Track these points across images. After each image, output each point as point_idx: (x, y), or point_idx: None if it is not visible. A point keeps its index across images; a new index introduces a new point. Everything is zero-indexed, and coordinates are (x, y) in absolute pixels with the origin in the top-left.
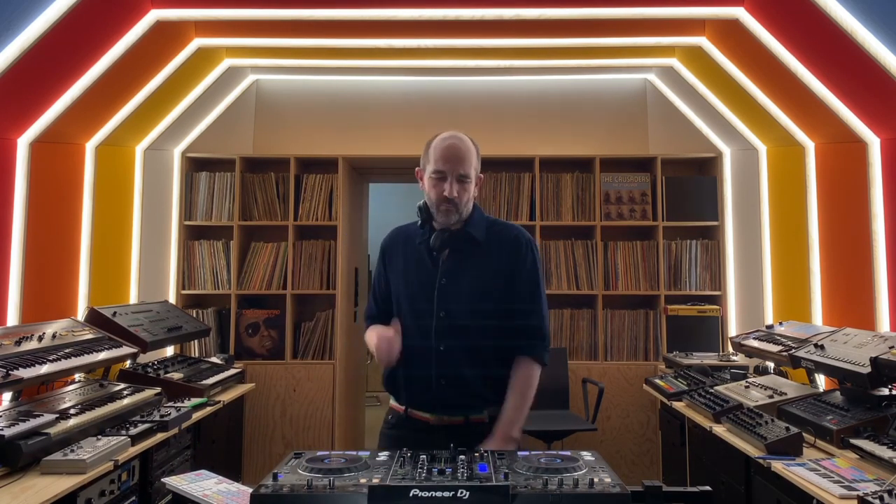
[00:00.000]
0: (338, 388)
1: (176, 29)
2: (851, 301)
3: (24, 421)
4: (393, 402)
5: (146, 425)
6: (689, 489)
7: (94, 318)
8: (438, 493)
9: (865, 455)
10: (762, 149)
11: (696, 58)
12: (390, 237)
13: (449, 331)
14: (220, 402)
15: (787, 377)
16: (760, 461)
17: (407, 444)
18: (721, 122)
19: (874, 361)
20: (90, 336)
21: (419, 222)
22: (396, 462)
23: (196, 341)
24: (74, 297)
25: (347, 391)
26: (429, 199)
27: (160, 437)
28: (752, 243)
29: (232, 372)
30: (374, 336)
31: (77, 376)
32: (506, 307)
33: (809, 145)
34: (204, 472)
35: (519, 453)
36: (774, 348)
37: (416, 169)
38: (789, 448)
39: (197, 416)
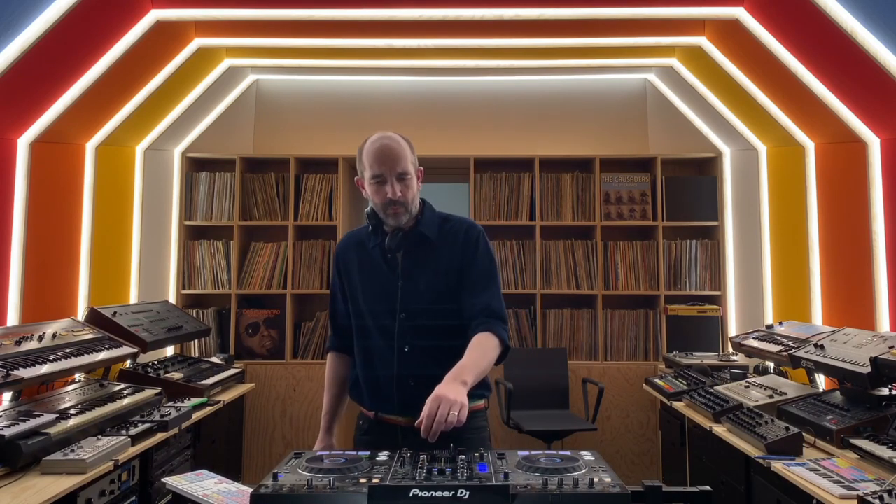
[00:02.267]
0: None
1: (176, 29)
2: (851, 301)
3: (24, 421)
4: (362, 409)
5: (146, 425)
6: (689, 489)
7: (94, 318)
8: (438, 493)
9: (865, 455)
10: (762, 149)
11: (696, 58)
12: (343, 244)
13: (412, 331)
14: (220, 402)
15: (787, 377)
16: (760, 461)
17: (383, 448)
18: (721, 122)
19: (874, 361)
20: (90, 336)
21: (369, 227)
22: (396, 462)
23: (196, 341)
24: (74, 297)
25: None
26: (375, 205)
27: (160, 437)
28: (752, 243)
29: (232, 372)
30: (326, 387)
31: (77, 376)
32: (463, 298)
33: (809, 145)
34: (204, 472)
35: (519, 453)
36: (774, 348)
37: (356, 178)
38: (789, 448)
39: (197, 416)
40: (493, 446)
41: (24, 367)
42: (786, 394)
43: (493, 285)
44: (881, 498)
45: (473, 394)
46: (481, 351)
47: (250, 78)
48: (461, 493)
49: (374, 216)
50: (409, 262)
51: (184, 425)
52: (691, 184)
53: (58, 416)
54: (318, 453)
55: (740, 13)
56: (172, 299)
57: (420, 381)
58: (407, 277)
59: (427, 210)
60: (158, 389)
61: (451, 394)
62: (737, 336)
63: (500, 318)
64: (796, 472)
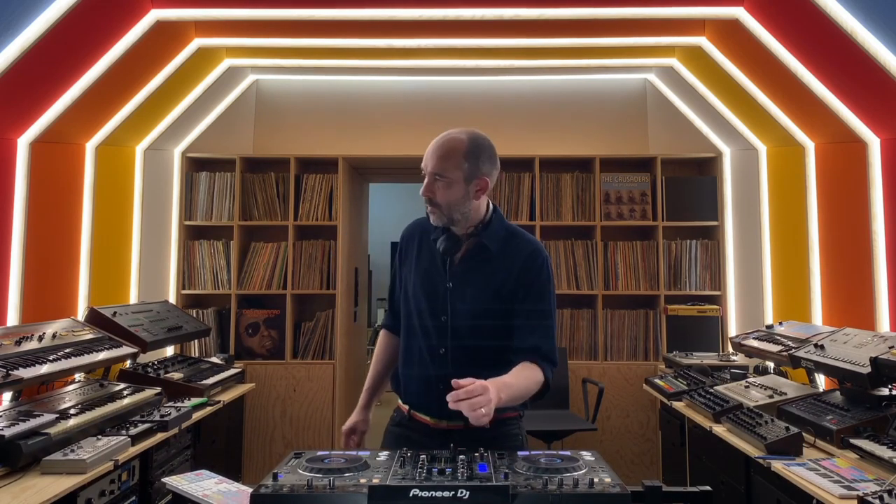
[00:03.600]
0: (338, 388)
1: (176, 29)
2: (851, 301)
3: (24, 421)
4: (399, 401)
5: (146, 425)
6: (689, 489)
7: (94, 318)
8: (438, 493)
9: (865, 455)
10: (762, 149)
11: (696, 58)
12: (409, 229)
13: (453, 334)
14: (220, 402)
15: (787, 377)
16: (760, 461)
17: (409, 443)
18: (721, 122)
19: (874, 361)
20: (90, 336)
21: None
22: (396, 462)
23: (196, 341)
24: (74, 297)
25: (347, 391)
26: None
27: (160, 437)
28: (752, 243)
29: (232, 372)
30: (374, 361)
31: (77, 376)
32: (514, 320)
33: (809, 145)
34: (204, 472)
35: (519, 453)
36: (774, 348)
37: None
38: (789, 448)
39: (197, 416)
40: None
41: (24, 367)
42: (786, 394)
43: (548, 322)
44: (881, 498)
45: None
46: (525, 379)
47: (250, 78)
48: (461, 493)
49: None
50: (464, 267)
51: (184, 425)
52: (691, 184)
53: (58, 416)
54: (319, 453)
55: (740, 13)
56: (172, 299)
57: (448, 385)
58: (457, 280)
59: (495, 220)
60: (158, 389)
61: (493, 395)
62: (737, 336)
63: (551, 361)
64: (796, 472)
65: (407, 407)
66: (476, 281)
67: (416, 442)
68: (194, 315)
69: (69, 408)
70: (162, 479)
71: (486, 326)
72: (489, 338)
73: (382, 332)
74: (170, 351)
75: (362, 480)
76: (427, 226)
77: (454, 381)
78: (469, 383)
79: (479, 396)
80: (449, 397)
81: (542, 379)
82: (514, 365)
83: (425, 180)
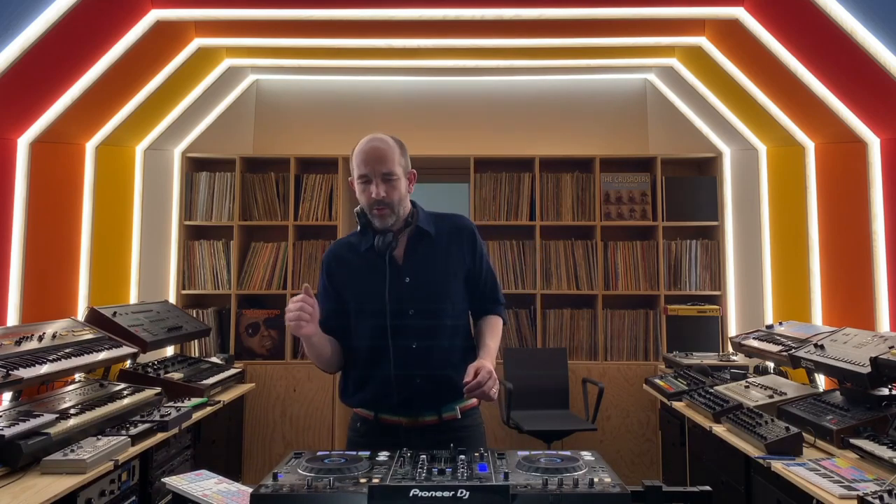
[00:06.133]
0: (337, 389)
1: (176, 29)
2: (851, 301)
3: (24, 421)
4: (359, 409)
5: (146, 425)
6: (689, 489)
7: (94, 318)
8: (438, 493)
9: (865, 455)
10: (762, 149)
11: (696, 58)
12: (332, 252)
13: (421, 326)
14: (220, 402)
15: (787, 377)
16: (760, 461)
17: (381, 448)
18: (721, 122)
19: (874, 361)
20: (90, 336)
21: (358, 229)
22: (396, 462)
23: (196, 341)
24: (74, 297)
25: None
26: (363, 206)
27: (160, 437)
28: (752, 243)
29: (232, 372)
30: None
31: (77, 376)
32: (470, 290)
33: (809, 145)
34: (204, 472)
35: (519, 453)
36: (774, 348)
37: (349, 178)
38: (789, 448)
39: (197, 416)
40: (486, 443)
41: (24, 367)
42: (786, 394)
43: (493, 275)
44: (881, 498)
45: (446, 402)
46: (496, 333)
47: (250, 78)
48: (461, 493)
49: (363, 216)
50: (413, 259)
51: (184, 425)
52: (691, 184)
53: (58, 416)
54: (319, 453)
55: (740, 13)
56: (172, 299)
57: (425, 379)
58: (412, 273)
59: (420, 210)
60: (158, 389)
61: (493, 372)
62: (737, 336)
63: (503, 303)
64: (796, 472)
65: (372, 413)
66: (430, 265)
67: (387, 446)
68: (194, 315)
69: (69, 408)
70: (162, 479)
71: (448, 306)
72: (454, 315)
73: None
74: (170, 351)
75: (362, 480)
76: (350, 242)
77: (469, 369)
78: (480, 378)
79: (491, 380)
80: (467, 390)
81: (501, 323)
82: (477, 320)
83: (373, 185)
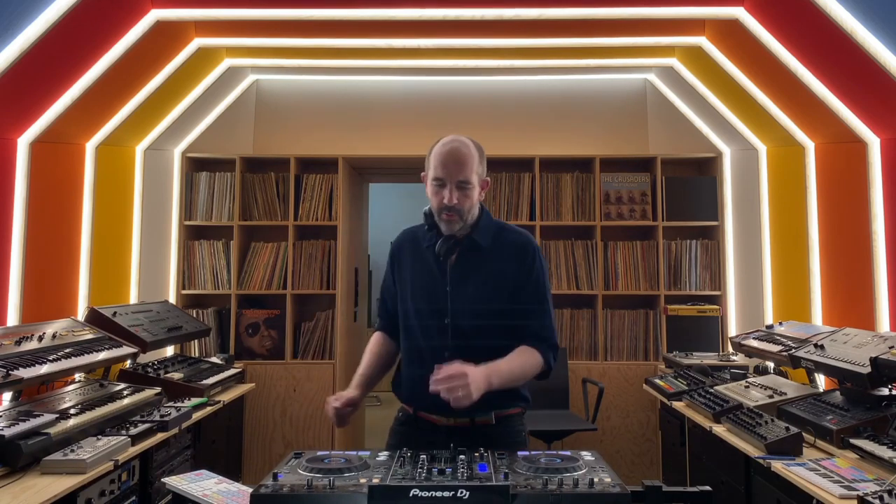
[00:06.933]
0: (338, 388)
1: (176, 29)
2: (851, 301)
3: (24, 421)
4: (402, 403)
5: (146, 425)
6: (689, 489)
7: (94, 318)
8: (438, 493)
9: (865, 455)
10: (762, 149)
11: (696, 58)
12: (399, 239)
13: (456, 335)
14: (220, 402)
15: (787, 377)
16: (760, 461)
17: (414, 442)
18: (721, 122)
19: (874, 361)
20: (90, 336)
21: (426, 226)
22: (396, 462)
23: (196, 341)
24: (74, 297)
25: None
26: (432, 207)
27: (160, 437)
28: (752, 243)
29: (232, 372)
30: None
31: (77, 376)
32: (513, 312)
33: (809, 145)
34: (204, 472)
35: (519, 453)
36: (774, 348)
37: (422, 173)
38: (789, 448)
39: (197, 416)
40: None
41: (24, 367)
42: (786, 394)
43: (544, 307)
44: (881, 498)
45: (479, 409)
46: (521, 363)
47: (250, 78)
48: (461, 493)
49: (430, 217)
50: (460, 267)
51: (184, 425)
52: (691, 184)
53: (58, 416)
54: (319, 453)
55: (740, 13)
56: (172, 299)
57: None
58: (455, 282)
59: (484, 218)
60: (158, 389)
61: (473, 381)
62: (737, 336)
63: (550, 343)
64: (796, 472)
65: (412, 407)
66: (475, 279)
67: (422, 439)
68: (194, 315)
69: (69, 408)
70: (162, 479)
71: (486, 323)
72: (490, 333)
73: (377, 334)
74: (170, 351)
75: (362, 480)
76: (418, 234)
77: (436, 366)
78: (454, 370)
79: (456, 381)
80: (431, 384)
81: (540, 362)
82: (515, 345)
83: (446, 190)
